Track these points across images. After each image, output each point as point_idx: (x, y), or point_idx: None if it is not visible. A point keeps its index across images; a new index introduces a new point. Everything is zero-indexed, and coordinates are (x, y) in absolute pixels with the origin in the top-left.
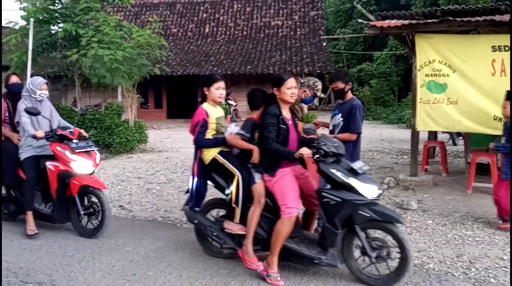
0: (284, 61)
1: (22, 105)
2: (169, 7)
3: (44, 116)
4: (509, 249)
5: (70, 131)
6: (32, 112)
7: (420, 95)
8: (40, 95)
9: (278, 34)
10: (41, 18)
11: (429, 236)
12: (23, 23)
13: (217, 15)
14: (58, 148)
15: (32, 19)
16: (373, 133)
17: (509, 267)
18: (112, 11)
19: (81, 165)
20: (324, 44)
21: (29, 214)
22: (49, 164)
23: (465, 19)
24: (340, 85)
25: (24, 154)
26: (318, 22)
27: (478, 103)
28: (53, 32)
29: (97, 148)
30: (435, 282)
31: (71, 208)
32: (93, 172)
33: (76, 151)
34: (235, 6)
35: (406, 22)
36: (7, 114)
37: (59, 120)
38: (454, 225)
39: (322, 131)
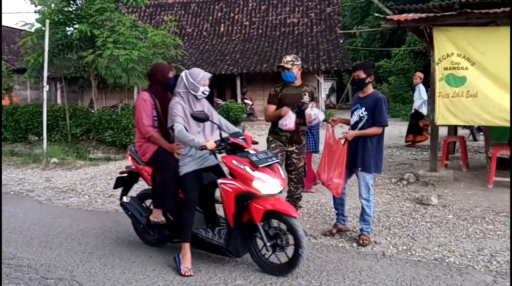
0: (301, 59)
1: (178, 106)
2: (184, 7)
3: (213, 121)
4: None
5: (242, 138)
6: (200, 118)
7: (439, 89)
8: (203, 93)
9: (294, 32)
10: (56, 19)
11: (449, 231)
12: (39, 25)
13: (232, 14)
14: (235, 162)
15: (47, 21)
16: (392, 130)
17: None
18: (126, 12)
19: (267, 184)
20: (341, 41)
21: (187, 248)
22: (223, 183)
23: (483, 11)
24: (362, 74)
25: (185, 168)
26: (335, 19)
27: (498, 96)
28: (68, 33)
29: (278, 160)
30: (456, 275)
31: (248, 237)
32: (280, 192)
33: (260, 166)
34: (250, 4)
35: (423, 15)
36: (154, 114)
37: (220, 121)
38: (475, 219)
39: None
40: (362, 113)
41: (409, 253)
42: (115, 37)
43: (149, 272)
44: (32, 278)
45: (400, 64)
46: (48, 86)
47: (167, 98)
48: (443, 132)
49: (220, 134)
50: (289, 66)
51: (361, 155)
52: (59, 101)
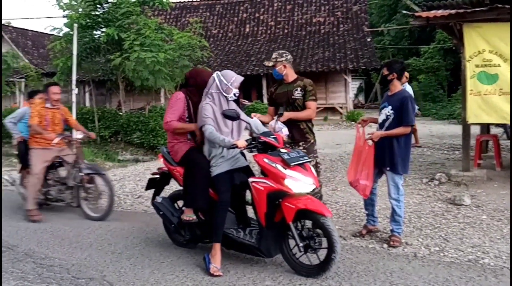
0: (328, 58)
1: (207, 107)
2: (209, 9)
3: (244, 119)
4: None
5: (273, 138)
6: (231, 116)
7: (470, 87)
8: (234, 95)
9: (320, 31)
10: (84, 23)
11: (483, 232)
12: (67, 29)
13: (257, 14)
14: (266, 160)
15: (75, 25)
16: (422, 130)
17: None
18: (152, 14)
19: (299, 182)
20: (369, 39)
21: (217, 248)
22: (254, 182)
23: None
24: (385, 71)
25: (217, 168)
26: (362, 17)
27: None
28: (96, 37)
29: (310, 160)
30: (491, 277)
31: (280, 237)
32: (313, 191)
33: (291, 164)
34: (275, 5)
35: (453, 11)
36: (186, 115)
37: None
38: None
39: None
40: (388, 112)
41: (441, 254)
42: (142, 40)
43: (178, 273)
44: (64, 277)
45: (430, 62)
46: (77, 89)
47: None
48: (475, 130)
49: (251, 133)
50: (271, 63)
51: (388, 155)
52: (87, 104)
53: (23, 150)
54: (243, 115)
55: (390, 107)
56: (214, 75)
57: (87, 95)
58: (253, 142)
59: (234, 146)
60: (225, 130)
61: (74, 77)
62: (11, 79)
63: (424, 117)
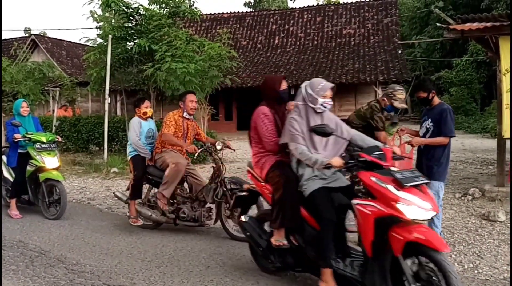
0: (358, 70)
1: (293, 123)
2: (239, 20)
3: (338, 135)
4: None
5: (380, 155)
6: (321, 132)
7: (506, 101)
8: (322, 105)
9: (350, 43)
10: (117, 35)
11: None
12: (101, 40)
13: (286, 26)
14: (374, 179)
15: (110, 36)
16: (454, 143)
17: None
18: (183, 26)
19: (414, 207)
20: (400, 51)
21: (328, 274)
22: (360, 204)
23: None
24: (423, 94)
25: (309, 186)
26: (392, 29)
27: None
28: (128, 48)
29: (427, 181)
30: None
31: (388, 271)
32: (432, 219)
33: (406, 185)
34: (305, 16)
35: (489, 24)
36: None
37: (350, 134)
38: None
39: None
40: (428, 125)
41: (475, 271)
42: (173, 51)
43: (207, 282)
44: (95, 284)
45: (462, 74)
46: (109, 98)
47: (282, 111)
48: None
49: (352, 150)
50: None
51: (425, 162)
52: (118, 112)
53: (142, 165)
54: (339, 129)
55: (429, 119)
56: (302, 85)
57: (118, 104)
58: (351, 161)
59: (328, 166)
60: (320, 145)
61: (107, 87)
62: (46, 88)
63: (456, 130)
